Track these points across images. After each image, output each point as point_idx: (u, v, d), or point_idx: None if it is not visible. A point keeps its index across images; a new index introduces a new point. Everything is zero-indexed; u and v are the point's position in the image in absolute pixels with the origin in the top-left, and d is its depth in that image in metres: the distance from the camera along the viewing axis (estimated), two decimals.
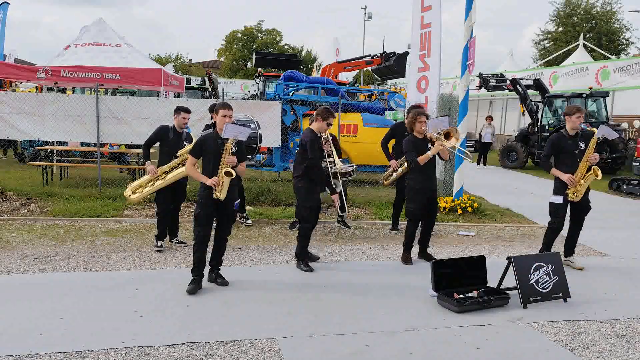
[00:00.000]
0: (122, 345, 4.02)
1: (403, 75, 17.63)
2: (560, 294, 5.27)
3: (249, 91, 35.29)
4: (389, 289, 5.52)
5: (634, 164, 13.44)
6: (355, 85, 24.27)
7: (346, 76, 22.95)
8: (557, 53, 31.34)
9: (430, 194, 6.38)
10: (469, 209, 9.20)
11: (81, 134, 9.98)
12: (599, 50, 29.75)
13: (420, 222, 6.60)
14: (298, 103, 12.22)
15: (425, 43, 9.84)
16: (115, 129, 9.87)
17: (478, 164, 18.18)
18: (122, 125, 9.86)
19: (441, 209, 9.20)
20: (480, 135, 18.98)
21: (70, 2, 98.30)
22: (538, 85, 18.82)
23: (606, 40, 33.82)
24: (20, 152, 14.32)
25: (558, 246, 6.75)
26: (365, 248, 7.14)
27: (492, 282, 5.36)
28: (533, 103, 18.33)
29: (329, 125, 6.25)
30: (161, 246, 6.63)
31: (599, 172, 6.12)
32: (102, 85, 11.83)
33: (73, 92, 16.61)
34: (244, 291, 5.29)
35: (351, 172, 7.38)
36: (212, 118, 6.14)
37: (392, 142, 8.16)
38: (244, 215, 8.32)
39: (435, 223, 8.38)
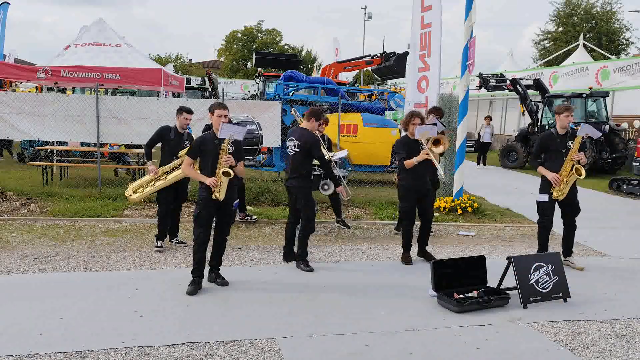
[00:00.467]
0: (122, 345, 4.02)
1: (403, 75, 17.61)
2: (560, 294, 5.27)
3: (249, 91, 35.29)
4: (389, 289, 5.52)
5: (634, 164, 13.44)
6: (355, 85, 24.28)
7: (346, 76, 22.95)
8: (557, 53, 31.33)
9: (421, 193, 6.37)
10: (469, 209, 9.20)
11: (81, 134, 9.98)
12: (599, 50, 29.74)
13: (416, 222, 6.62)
14: (298, 103, 12.22)
15: (425, 43, 9.84)
16: (115, 129, 9.86)
17: (478, 164, 18.18)
18: (122, 125, 9.85)
19: (441, 209, 9.20)
20: (479, 135, 18.97)
21: (70, 2, 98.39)
22: (538, 85, 18.81)
23: (606, 40, 33.81)
24: (20, 152, 14.31)
25: (558, 246, 6.76)
26: (365, 248, 7.14)
27: (492, 282, 5.36)
28: (533, 103, 18.32)
29: (320, 125, 6.33)
30: (161, 246, 6.63)
31: (583, 172, 6.09)
32: (102, 85, 11.83)
33: (73, 92, 16.61)
34: (244, 291, 5.29)
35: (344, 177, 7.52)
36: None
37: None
38: (247, 214, 8.33)
39: (436, 223, 8.42)
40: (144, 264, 6.07)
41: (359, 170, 11.99)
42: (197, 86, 28.38)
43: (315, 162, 6.43)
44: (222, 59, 56.65)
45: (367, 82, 37.74)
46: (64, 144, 11.10)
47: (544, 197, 6.31)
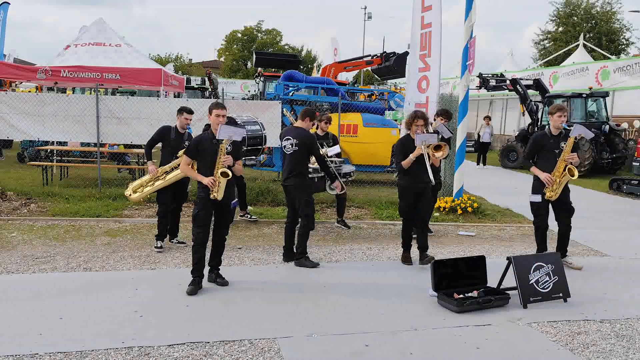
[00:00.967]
0: (122, 345, 4.02)
1: (403, 75, 17.62)
2: (560, 294, 5.26)
3: (249, 91, 35.26)
4: (389, 289, 5.52)
5: (634, 164, 13.43)
6: (355, 85, 24.26)
7: (346, 76, 22.94)
8: (557, 53, 31.31)
9: (416, 193, 6.32)
10: (469, 209, 9.20)
11: (81, 134, 9.98)
12: (599, 50, 29.72)
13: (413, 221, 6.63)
14: (298, 103, 12.21)
15: (425, 43, 9.83)
16: (115, 129, 9.87)
17: (478, 164, 18.18)
18: (122, 125, 9.85)
19: (441, 209, 9.20)
20: (478, 135, 18.98)
21: (70, 2, 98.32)
22: (538, 85, 18.81)
23: (606, 40, 33.77)
24: (20, 152, 14.31)
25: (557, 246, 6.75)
26: (365, 248, 7.14)
27: (492, 282, 5.35)
28: (533, 103, 18.32)
29: (314, 125, 6.36)
30: (161, 246, 6.63)
31: (575, 172, 6.08)
32: (102, 85, 11.83)
33: (73, 92, 16.60)
34: (244, 291, 5.29)
35: (351, 174, 7.51)
36: None
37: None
38: (247, 212, 8.34)
39: (436, 223, 8.44)
40: (144, 264, 6.07)
41: (359, 170, 11.98)
42: (197, 86, 28.36)
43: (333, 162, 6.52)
44: (222, 59, 56.63)
45: (367, 82, 37.72)
46: (64, 144, 11.11)
47: (537, 198, 6.32)
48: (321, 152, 6.92)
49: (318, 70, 29.74)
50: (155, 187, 6.60)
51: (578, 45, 28.43)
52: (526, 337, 4.46)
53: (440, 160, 6.84)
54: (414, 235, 6.52)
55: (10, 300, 4.82)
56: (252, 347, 4.09)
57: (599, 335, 4.51)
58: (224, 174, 5.15)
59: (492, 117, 20.78)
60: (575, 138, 6.10)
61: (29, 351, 3.87)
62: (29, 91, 16.02)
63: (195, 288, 5.19)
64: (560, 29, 36.09)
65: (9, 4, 19.34)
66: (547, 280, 5.24)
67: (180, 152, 6.51)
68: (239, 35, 54.81)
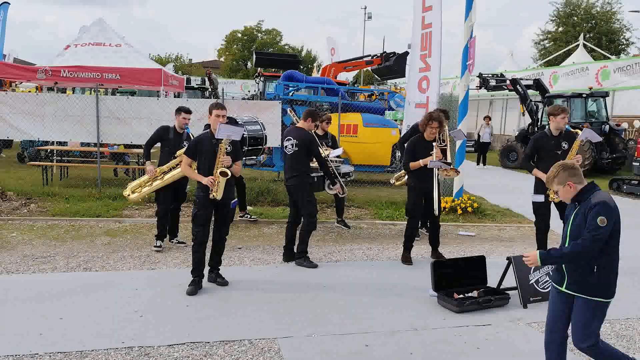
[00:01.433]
0: (122, 345, 4.03)
1: (403, 75, 17.62)
2: None
3: (249, 91, 35.25)
4: (389, 289, 5.52)
5: (634, 164, 13.42)
6: (355, 85, 24.27)
7: (346, 76, 22.92)
8: (557, 53, 31.31)
9: (425, 194, 6.39)
10: (469, 209, 9.20)
11: (81, 134, 9.98)
12: (599, 50, 29.72)
13: (419, 222, 6.64)
14: (298, 103, 12.21)
15: (426, 43, 9.84)
16: (115, 129, 9.86)
17: (478, 164, 18.18)
18: (122, 126, 9.85)
19: (441, 209, 9.19)
20: (478, 136, 18.98)
21: (70, 2, 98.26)
22: (538, 85, 18.80)
23: (606, 40, 33.78)
24: (20, 152, 14.31)
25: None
26: (365, 248, 7.14)
27: (492, 282, 5.36)
28: (533, 103, 18.33)
29: (317, 127, 6.37)
30: (161, 246, 6.63)
31: None
32: (102, 85, 11.83)
33: (73, 92, 16.60)
34: (244, 291, 5.29)
35: (350, 173, 7.52)
36: None
37: None
38: (247, 212, 8.34)
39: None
40: (144, 264, 6.07)
41: (359, 170, 11.99)
42: (197, 86, 28.35)
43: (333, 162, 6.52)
44: (222, 59, 56.65)
45: (367, 82, 37.72)
46: (64, 144, 11.10)
47: (540, 198, 6.29)
48: (324, 154, 6.94)
49: (318, 70, 29.66)
50: (154, 187, 6.60)
51: (578, 45, 28.44)
52: (526, 337, 4.46)
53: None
54: (417, 238, 6.54)
55: (10, 300, 4.82)
56: (252, 347, 4.09)
57: None
58: (223, 174, 5.16)
59: (492, 117, 20.78)
60: (582, 141, 6.09)
61: (29, 351, 3.88)
62: (29, 91, 16.02)
63: (195, 288, 5.19)
64: (560, 29, 36.11)
65: (9, 4, 19.35)
66: (547, 280, 5.25)
67: (179, 152, 6.52)
68: (239, 35, 54.84)
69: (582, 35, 29.29)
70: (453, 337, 4.40)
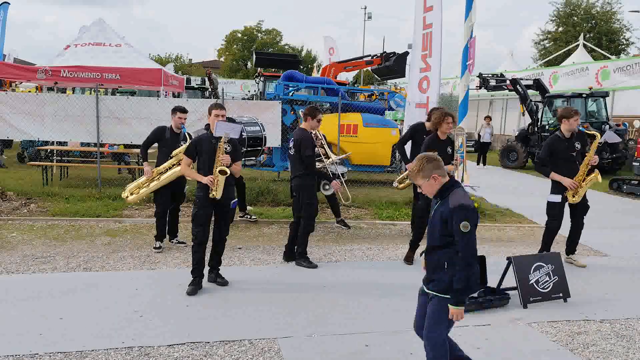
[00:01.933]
0: (122, 345, 4.03)
1: (403, 76, 17.61)
2: (560, 294, 5.27)
3: (249, 91, 35.24)
4: (389, 289, 5.52)
5: (634, 164, 13.41)
6: (355, 85, 24.25)
7: (346, 76, 22.90)
8: (557, 53, 31.31)
9: None
10: None
11: (81, 134, 9.98)
12: (599, 50, 29.73)
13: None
14: (298, 103, 12.21)
15: (427, 43, 9.83)
16: (115, 129, 9.86)
17: (478, 164, 18.17)
18: (122, 125, 9.85)
19: None
20: (479, 136, 18.97)
21: (70, 2, 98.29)
22: (538, 85, 18.80)
23: (606, 40, 33.79)
24: (20, 152, 14.31)
25: (558, 246, 6.75)
26: (365, 248, 7.14)
27: (492, 282, 5.35)
28: (533, 103, 18.32)
29: (319, 122, 6.33)
30: (160, 247, 6.63)
31: (599, 176, 6.19)
32: (102, 85, 11.82)
33: (73, 92, 16.60)
34: (244, 291, 5.29)
35: (343, 174, 7.53)
36: None
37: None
38: (247, 212, 8.34)
39: None
40: (144, 264, 6.07)
41: (359, 170, 11.99)
42: (197, 86, 28.35)
43: (323, 162, 6.48)
44: (222, 59, 56.66)
45: (367, 82, 37.72)
46: (64, 144, 11.10)
47: (557, 198, 6.29)
48: (331, 157, 6.97)
49: (318, 70, 29.63)
50: (151, 188, 6.59)
51: (578, 45, 28.45)
52: (526, 337, 4.46)
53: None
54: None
55: (10, 300, 4.82)
56: (252, 347, 4.09)
57: (599, 335, 4.51)
58: (222, 172, 5.16)
59: (492, 117, 20.78)
60: (599, 143, 6.13)
61: (29, 351, 3.88)
62: (29, 91, 16.02)
63: (195, 288, 5.19)
64: (560, 29, 36.12)
65: (9, 4, 19.32)
66: (547, 280, 5.25)
67: (175, 152, 6.52)
68: (239, 35, 54.86)
69: (582, 35, 29.30)
70: (453, 337, 4.39)
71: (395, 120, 14.87)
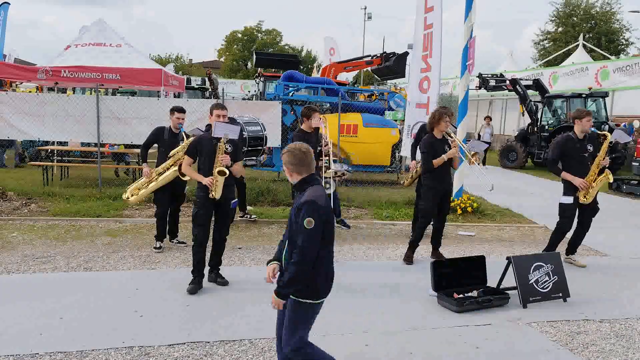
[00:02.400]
0: (122, 345, 4.03)
1: (403, 76, 17.63)
2: (560, 294, 5.27)
3: (249, 91, 35.23)
4: (389, 289, 5.53)
5: (633, 164, 13.43)
6: (355, 85, 24.25)
7: (346, 76, 22.89)
8: (557, 53, 31.32)
9: (442, 194, 6.43)
10: (469, 209, 9.21)
11: (81, 134, 9.99)
12: (598, 50, 29.73)
13: (431, 221, 6.64)
14: (298, 103, 12.22)
15: (427, 44, 9.85)
16: (116, 129, 9.87)
17: (477, 164, 18.17)
18: (122, 126, 9.86)
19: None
20: (479, 136, 18.98)
21: (70, 2, 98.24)
22: (538, 85, 18.82)
23: (606, 40, 33.78)
24: (21, 152, 14.32)
25: (559, 246, 6.75)
26: (365, 248, 7.15)
27: (492, 282, 5.36)
28: (533, 103, 18.33)
29: (320, 119, 6.37)
30: (160, 247, 6.63)
31: (611, 176, 6.22)
32: (103, 85, 11.82)
33: (73, 92, 16.60)
34: (244, 291, 5.29)
35: (344, 172, 7.53)
36: None
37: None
38: (247, 212, 8.34)
39: None
40: (144, 264, 6.08)
41: (359, 170, 12.00)
42: (197, 86, 28.33)
43: (321, 159, 6.51)
44: (222, 59, 56.65)
45: (367, 82, 37.71)
46: (65, 144, 11.11)
47: (569, 200, 6.30)
48: (329, 170, 7.00)
49: (318, 71, 29.58)
50: (149, 189, 6.59)
51: (578, 45, 28.45)
52: (526, 337, 4.46)
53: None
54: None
55: (11, 300, 4.82)
56: (252, 347, 4.10)
57: (598, 335, 4.52)
58: (221, 173, 5.17)
59: (492, 117, 20.78)
60: (611, 142, 6.14)
61: (29, 351, 3.88)
62: (29, 91, 16.01)
63: (195, 288, 5.20)
64: (560, 29, 36.11)
65: (9, 4, 19.33)
66: (547, 280, 5.25)
67: (172, 152, 6.52)
68: (239, 35, 54.84)
69: (581, 35, 29.31)
70: (453, 337, 4.41)
71: (395, 120, 14.86)
